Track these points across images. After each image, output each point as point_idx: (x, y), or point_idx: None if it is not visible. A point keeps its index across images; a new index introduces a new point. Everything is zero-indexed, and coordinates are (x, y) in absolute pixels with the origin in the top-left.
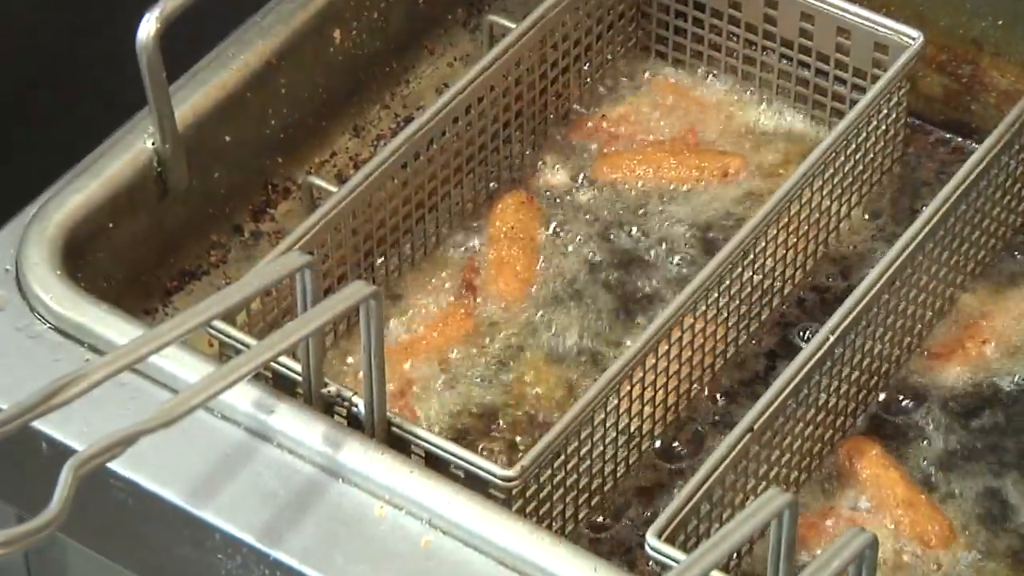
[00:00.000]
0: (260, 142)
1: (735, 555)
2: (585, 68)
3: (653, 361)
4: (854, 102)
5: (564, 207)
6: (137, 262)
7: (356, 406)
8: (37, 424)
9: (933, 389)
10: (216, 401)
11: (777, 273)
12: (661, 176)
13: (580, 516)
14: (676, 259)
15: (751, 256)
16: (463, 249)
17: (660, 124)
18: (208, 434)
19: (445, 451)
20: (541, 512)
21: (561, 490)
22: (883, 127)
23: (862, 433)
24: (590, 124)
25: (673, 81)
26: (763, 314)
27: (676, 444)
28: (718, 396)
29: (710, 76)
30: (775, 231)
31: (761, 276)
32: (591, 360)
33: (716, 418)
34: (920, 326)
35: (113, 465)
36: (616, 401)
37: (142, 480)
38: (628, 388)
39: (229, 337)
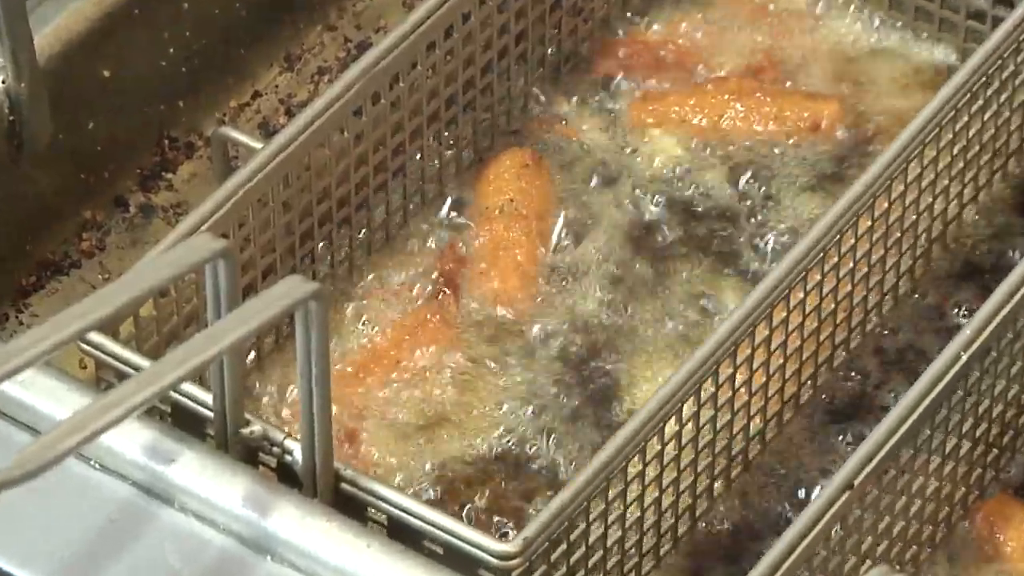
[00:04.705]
0: (153, 79)
1: None
2: None
3: (711, 390)
4: (997, 22)
5: (586, 171)
6: None
7: (290, 452)
8: None
9: None
10: (95, 447)
11: (889, 265)
12: (724, 127)
13: None
14: (746, 247)
15: (851, 242)
16: (441, 231)
17: (723, 51)
18: (84, 492)
19: (417, 517)
20: None
21: (581, 573)
22: None
23: (1009, 491)
24: (623, 51)
25: None
26: (868, 323)
27: (743, 507)
28: (803, 440)
29: None
30: (885, 205)
31: (866, 269)
32: (620, 388)
33: (800, 471)
34: None
35: None
36: (659, 447)
37: None
38: (676, 428)
39: (110, 355)
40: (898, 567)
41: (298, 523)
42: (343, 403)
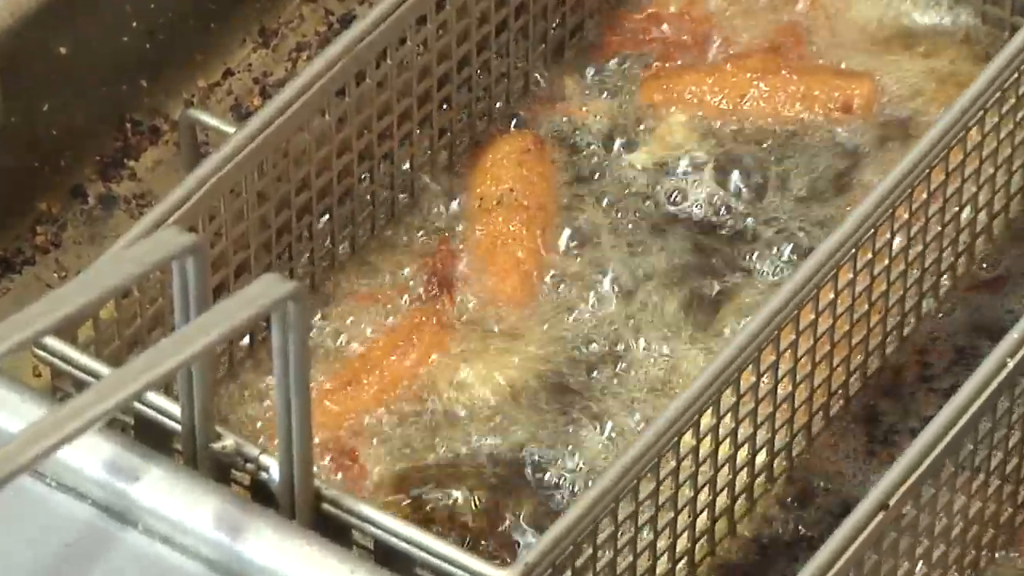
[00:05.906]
0: (114, 57)
1: None
2: None
3: (732, 400)
4: None
5: (593, 158)
6: None
7: (266, 469)
8: None
9: None
10: (51, 463)
11: (929, 262)
12: (745, 108)
13: None
14: (771, 240)
15: (887, 236)
16: (433, 224)
17: (745, 25)
18: (40, 513)
19: (406, 540)
20: None
21: None
22: None
23: None
24: (633, 25)
25: None
26: (905, 326)
27: (767, 529)
28: (833, 455)
29: None
30: (924, 195)
31: (903, 267)
32: (632, 399)
33: (832, 487)
34: None
35: None
36: (674, 463)
37: None
38: (693, 443)
39: (68, 361)
40: None
41: (275, 547)
42: (325, 415)
